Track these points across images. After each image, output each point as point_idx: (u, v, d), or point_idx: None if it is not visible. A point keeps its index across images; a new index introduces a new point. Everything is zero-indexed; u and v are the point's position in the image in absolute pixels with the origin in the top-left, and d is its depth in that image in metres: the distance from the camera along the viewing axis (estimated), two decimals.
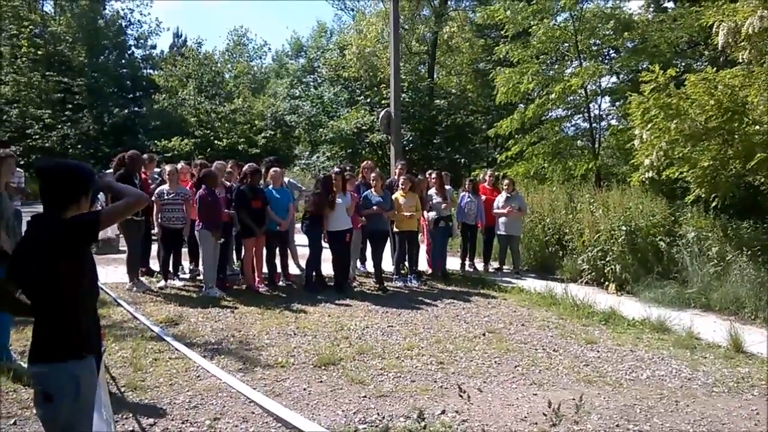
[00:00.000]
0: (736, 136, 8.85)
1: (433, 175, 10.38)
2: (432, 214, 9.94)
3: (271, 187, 8.96)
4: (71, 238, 2.65)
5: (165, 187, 8.56)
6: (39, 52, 26.98)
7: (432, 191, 10.12)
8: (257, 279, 8.86)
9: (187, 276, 9.26)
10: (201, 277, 9.13)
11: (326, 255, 9.13)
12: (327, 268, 9.19)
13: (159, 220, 8.52)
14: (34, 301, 2.72)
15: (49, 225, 2.70)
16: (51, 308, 2.69)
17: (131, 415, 4.42)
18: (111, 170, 8.61)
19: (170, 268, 8.95)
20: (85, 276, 2.78)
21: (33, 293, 2.72)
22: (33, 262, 2.64)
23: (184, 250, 9.39)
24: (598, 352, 6.31)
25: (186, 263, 9.57)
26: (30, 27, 26.71)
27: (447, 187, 10.60)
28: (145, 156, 9.30)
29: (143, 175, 8.85)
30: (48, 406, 2.66)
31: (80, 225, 2.69)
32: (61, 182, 2.76)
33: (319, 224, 8.85)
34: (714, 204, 9.23)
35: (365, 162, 10.71)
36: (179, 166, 9.60)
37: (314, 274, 8.98)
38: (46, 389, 2.66)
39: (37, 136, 25.89)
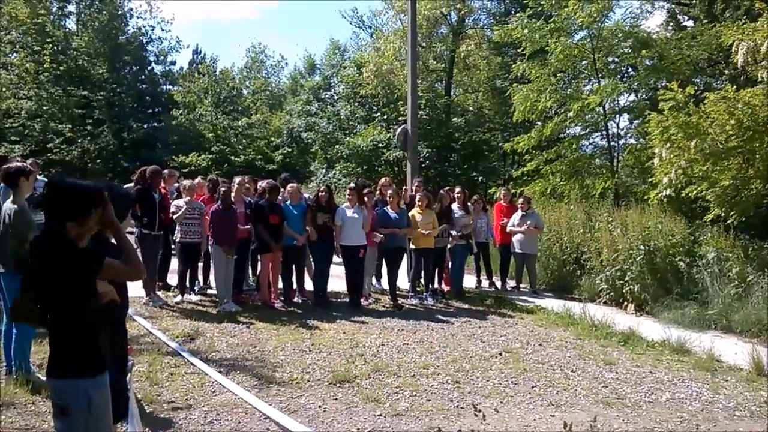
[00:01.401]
0: (757, 156, 8.78)
1: (457, 190, 10.37)
2: (455, 232, 9.91)
3: (288, 202, 8.99)
4: (73, 268, 2.69)
5: (180, 202, 8.62)
6: (61, 68, 27.45)
7: (455, 207, 10.10)
8: (273, 295, 8.87)
9: (196, 291, 9.26)
10: (211, 291, 9.19)
11: (340, 271, 9.13)
12: (341, 285, 9.18)
13: (178, 235, 8.58)
14: (48, 317, 2.78)
15: (53, 246, 2.72)
16: (63, 326, 2.76)
17: (147, 429, 4.42)
18: (131, 184, 8.68)
19: (186, 283, 8.98)
20: (97, 295, 2.83)
21: (46, 310, 2.78)
22: (43, 283, 2.71)
23: (201, 265, 9.45)
24: (616, 373, 6.23)
25: (201, 278, 9.62)
26: (53, 43, 27.19)
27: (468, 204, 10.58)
28: (165, 171, 9.40)
29: (163, 190, 8.93)
30: (64, 419, 2.73)
31: (82, 260, 2.73)
32: (66, 198, 2.79)
33: (324, 241, 8.86)
34: (731, 221, 9.14)
35: (383, 179, 10.72)
36: (197, 180, 9.69)
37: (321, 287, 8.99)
38: (62, 403, 2.73)
39: (57, 150, 26.27)
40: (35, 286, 2.75)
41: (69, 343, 2.76)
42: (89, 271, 2.72)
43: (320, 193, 9.12)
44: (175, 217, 8.48)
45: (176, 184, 9.95)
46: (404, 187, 11.75)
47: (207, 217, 8.54)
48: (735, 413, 5.24)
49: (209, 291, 9.31)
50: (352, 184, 9.51)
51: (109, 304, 3.14)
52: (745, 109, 8.68)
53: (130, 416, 3.42)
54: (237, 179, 9.13)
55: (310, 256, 9.28)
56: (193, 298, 8.87)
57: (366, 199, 9.24)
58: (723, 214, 9.24)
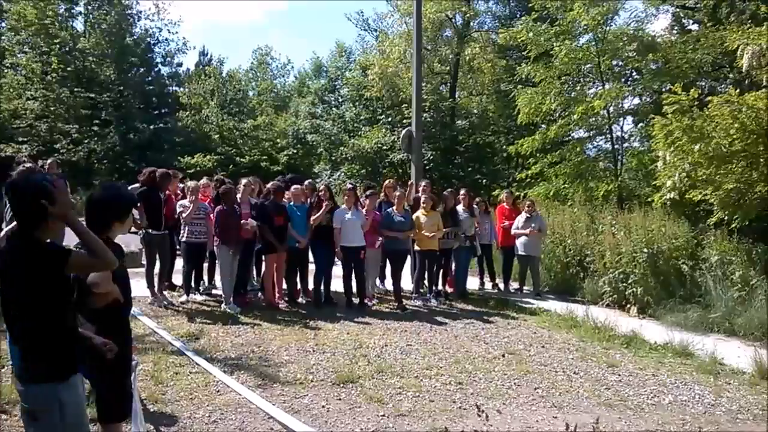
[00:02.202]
0: (761, 160, 8.78)
1: (462, 192, 10.38)
2: (463, 234, 9.93)
3: (292, 203, 9.03)
4: (39, 266, 2.62)
5: (185, 202, 8.66)
6: (68, 69, 27.60)
7: (460, 208, 10.12)
8: (277, 295, 8.90)
9: (201, 291, 9.30)
10: (216, 291, 9.24)
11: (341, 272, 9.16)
12: (340, 285, 9.21)
13: (183, 235, 8.62)
14: (13, 318, 2.72)
15: (22, 244, 2.68)
16: (31, 327, 2.69)
17: (152, 427, 4.47)
18: (138, 185, 8.74)
19: (192, 283, 9.03)
20: (70, 297, 2.78)
21: (9, 312, 2.72)
22: (11, 281, 2.67)
23: (206, 265, 9.50)
24: (619, 375, 6.24)
25: (206, 278, 9.67)
26: (60, 44, 27.35)
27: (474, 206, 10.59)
28: (169, 172, 9.45)
29: (168, 192, 8.97)
30: (35, 425, 2.67)
31: (48, 256, 2.65)
32: (23, 200, 2.70)
33: (325, 242, 8.88)
34: (734, 225, 9.14)
35: (387, 181, 10.74)
36: (202, 181, 9.74)
37: (322, 290, 9.01)
38: (31, 407, 2.67)
39: (64, 151, 26.41)
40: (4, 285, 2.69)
41: (38, 344, 2.68)
42: (54, 266, 2.63)
43: (320, 194, 9.14)
44: (183, 216, 8.52)
45: (180, 185, 10.02)
46: (410, 184, 11.38)
47: (212, 216, 8.59)
48: (738, 416, 5.25)
49: (214, 291, 9.36)
50: (350, 186, 9.54)
51: (114, 303, 3.18)
52: (749, 112, 8.68)
53: (133, 415, 3.45)
54: (244, 180, 9.19)
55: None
56: (198, 297, 8.93)
57: (368, 201, 9.27)
58: (726, 218, 9.24)
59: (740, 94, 9.04)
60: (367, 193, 9.49)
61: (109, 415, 3.21)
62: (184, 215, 8.50)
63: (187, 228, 8.57)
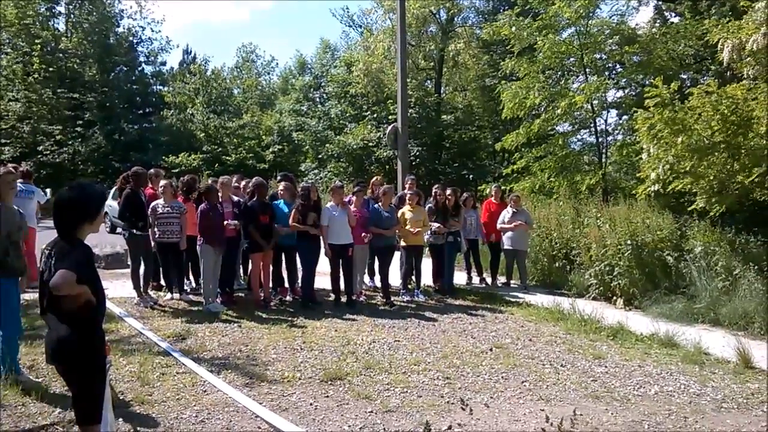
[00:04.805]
0: (743, 150, 8.86)
1: (448, 192, 10.37)
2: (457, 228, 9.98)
3: (282, 201, 8.98)
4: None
5: (159, 201, 8.54)
6: (50, 69, 27.30)
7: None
8: (264, 294, 8.86)
9: (188, 292, 9.22)
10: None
11: (328, 270, 9.13)
12: (327, 283, 9.18)
13: (155, 235, 8.47)
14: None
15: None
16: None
17: (139, 429, 4.44)
18: (116, 187, 8.65)
19: (175, 282, 8.95)
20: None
21: None
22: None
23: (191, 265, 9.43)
24: (605, 367, 6.28)
25: (193, 278, 9.60)
26: (42, 44, 27.04)
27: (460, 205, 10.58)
28: (151, 171, 9.37)
29: (150, 191, 8.89)
30: None
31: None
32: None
33: (310, 240, 8.79)
34: (713, 213, 9.23)
35: (375, 178, 10.72)
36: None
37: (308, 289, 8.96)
38: None
39: (48, 153, 26.15)
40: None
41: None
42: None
43: (309, 193, 9.06)
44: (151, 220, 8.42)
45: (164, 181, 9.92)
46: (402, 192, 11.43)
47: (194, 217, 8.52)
48: (722, 405, 5.29)
49: (199, 291, 9.29)
50: (338, 184, 9.50)
51: (86, 304, 3.15)
52: (729, 103, 8.75)
53: (104, 421, 3.38)
54: (222, 179, 9.10)
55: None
56: (185, 297, 8.85)
57: (356, 197, 9.25)
58: (707, 207, 9.34)
59: (722, 86, 9.12)
60: (355, 189, 9.47)
61: (90, 417, 3.18)
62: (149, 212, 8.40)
63: (159, 228, 8.43)
